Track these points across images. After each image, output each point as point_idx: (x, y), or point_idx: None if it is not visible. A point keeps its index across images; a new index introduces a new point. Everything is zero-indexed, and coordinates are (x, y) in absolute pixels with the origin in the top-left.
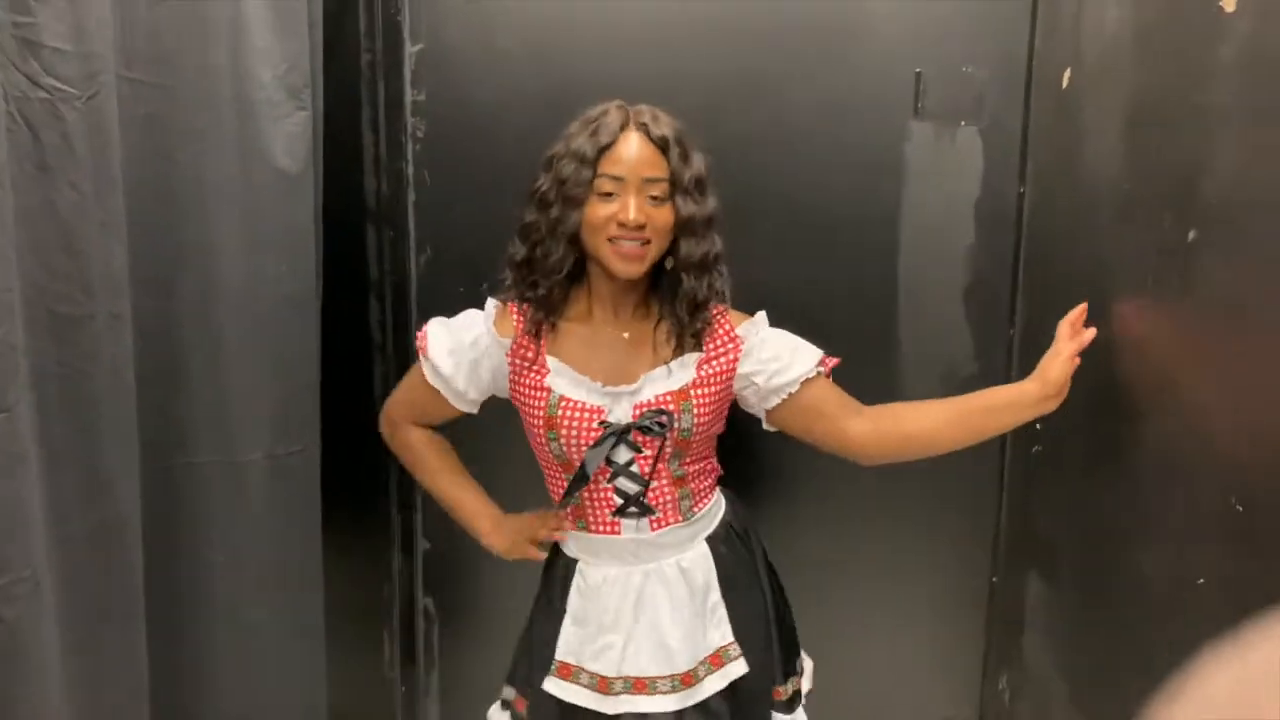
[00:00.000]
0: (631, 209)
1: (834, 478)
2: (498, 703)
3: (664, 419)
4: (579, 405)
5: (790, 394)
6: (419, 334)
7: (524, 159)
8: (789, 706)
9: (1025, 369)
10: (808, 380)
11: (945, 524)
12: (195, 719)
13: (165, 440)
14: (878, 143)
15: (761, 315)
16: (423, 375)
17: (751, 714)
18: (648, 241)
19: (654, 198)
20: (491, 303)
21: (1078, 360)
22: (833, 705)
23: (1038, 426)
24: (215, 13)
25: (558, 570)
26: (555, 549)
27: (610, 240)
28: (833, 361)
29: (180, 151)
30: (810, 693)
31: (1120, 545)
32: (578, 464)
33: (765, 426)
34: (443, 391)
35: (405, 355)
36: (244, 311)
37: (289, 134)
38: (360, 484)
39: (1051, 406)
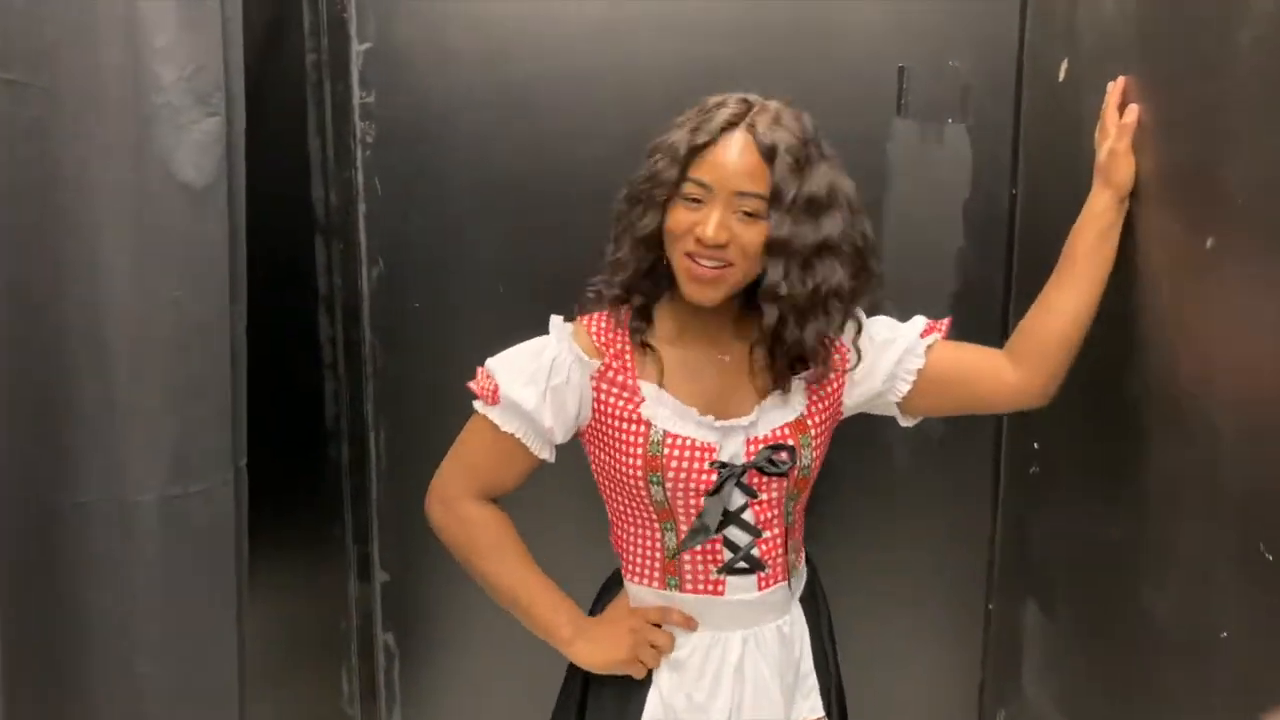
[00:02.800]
0: (711, 224)
1: (822, 499)
2: None
3: (785, 456)
4: (688, 443)
5: (918, 369)
6: (479, 377)
7: (482, 163)
8: None
9: None
10: (929, 348)
11: (939, 547)
12: None
13: (47, 477)
14: (859, 141)
15: (860, 315)
16: (487, 428)
17: None
18: (730, 264)
19: (747, 213)
20: (559, 321)
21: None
22: None
23: (1035, 446)
24: (107, 7)
25: None
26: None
27: (688, 255)
28: (945, 323)
29: (66, 161)
30: None
31: (1127, 582)
32: (682, 512)
33: (903, 422)
34: (523, 437)
35: (357, 374)
36: (138, 337)
37: (195, 143)
38: (313, 513)
39: (1126, 192)
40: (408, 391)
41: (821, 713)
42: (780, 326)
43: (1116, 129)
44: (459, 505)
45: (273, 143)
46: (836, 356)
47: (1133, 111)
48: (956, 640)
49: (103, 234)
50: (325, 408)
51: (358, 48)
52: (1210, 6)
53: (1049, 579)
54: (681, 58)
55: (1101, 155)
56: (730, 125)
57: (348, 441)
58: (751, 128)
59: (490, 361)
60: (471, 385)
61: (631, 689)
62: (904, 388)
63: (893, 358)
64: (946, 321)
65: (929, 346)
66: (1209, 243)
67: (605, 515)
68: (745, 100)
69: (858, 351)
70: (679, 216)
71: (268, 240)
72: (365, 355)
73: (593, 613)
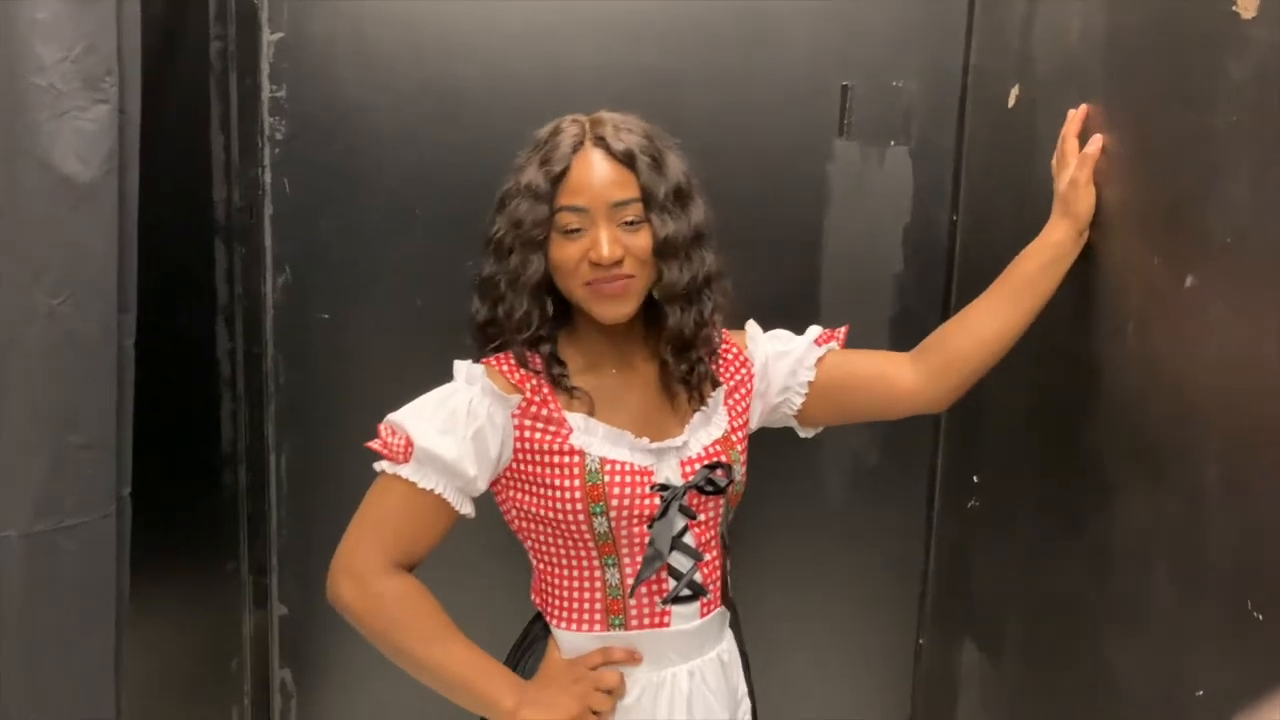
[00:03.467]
0: (604, 243)
1: (748, 519)
2: None
3: (722, 474)
4: (627, 467)
5: (809, 381)
6: (382, 434)
7: (401, 166)
8: None
9: (962, 417)
10: (820, 360)
11: (871, 578)
12: None
13: None
14: (799, 162)
15: (751, 323)
16: (400, 490)
17: None
18: (631, 277)
19: (628, 223)
20: (466, 363)
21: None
22: None
23: (975, 479)
24: None
25: None
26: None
27: (588, 284)
28: (841, 331)
29: None
30: None
31: (1085, 633)
32: (625, 544)
33: (802, 434)
34: (444, 493)
35: (258, 392)
36: (4, 352)
37: (80, 131)
38: (207, 543)
39: (1084, 239)
40: (312, 411)
41: None
42: (681, 324)
43: (1078, 159)
44: (374, 581)
45: (170, 136)
46: (733, 360)
47: (1096, 141)
48: (887, 674)
49: None
50: (222, 428)
51: (269, 37)
52: (1195, 32)
53: (990, 620)
54: (615, 63)
55: (1061, 184)
56: (578, 146)
57: (246, 465)
58: (600, 139)
59: (393, 416)
60: (373, 445)
61: None
62: (798, 400)
63: (786, 369)
64: (843, 330)
65: (820, 358)
66: (1188, 281)
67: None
68: (576, 120)
69: (754, 359)
70: (565, 252)
71: (160, 244)
72: (267, 371)
73: (519, 663)
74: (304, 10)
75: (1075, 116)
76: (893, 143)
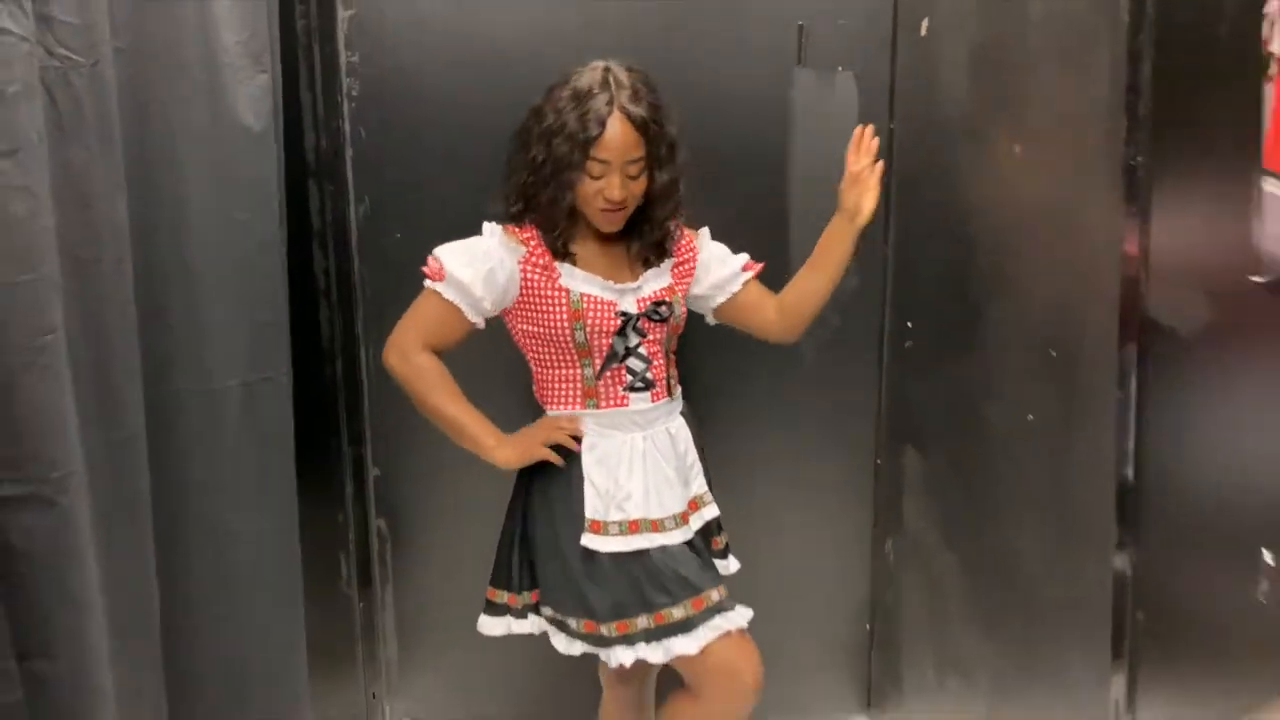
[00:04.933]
0: (616, 189)
1: (738, 372)
2: (483, 615)
3: (665, 309)
4: (598, 299)
5: (733, 292)
6: (430, 262)
7: (451, 115)
8: (725, 554)
9: (899, 280)
10: (747, 282)
11: (838, 416)
12: (190, 622)
13: (155, 369)
14: (768, 88)
15: (705, 230)
16: (435, 299)
17: (706, 552)
18: (625, 206)
19: (631, 176)
20: (491, 225)
21: (876, 174)
22: (744, 575)
23: (909, 324)
24: None
25: (561, 467)
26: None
27: (600, 210)
28: (758, 267)
29: (157, 112)
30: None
31: (971, 408)
32: (598, 350)
33: (710, 321)
34: (460, 304)
35: (349, 299)
36: (217, 255)
37: (252, 95)
38: (311, 419)
39: (863, 222)
40: (392, 313)
41: (707, 489)
42: (654, 234)
43: (857, 164)
44: (413, 355)
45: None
46: (686, 247)
47: (870, 144)
48: (851, 490)
49: (188, 172)
50: (321, 330)
51: (343, 14)
52: None
53: (922, 430)
54: (618, 18)
55: (844, 183)
56: (609, 112)
57: (341, 359)
58: (624, 109)
59: (438, 250)
60: (424, 269)
61: (571, 486)
62: (720, 299)
63: (722, 275)
64: (760, 266)
65: (745, 281)
66: (1016, 149)
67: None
68: (606, 81)
69: (700, 250)
70: (589, 189)
71: None
72: (355, 282)
73: None
74: None
75: (858, 134)
76: (840, 69)
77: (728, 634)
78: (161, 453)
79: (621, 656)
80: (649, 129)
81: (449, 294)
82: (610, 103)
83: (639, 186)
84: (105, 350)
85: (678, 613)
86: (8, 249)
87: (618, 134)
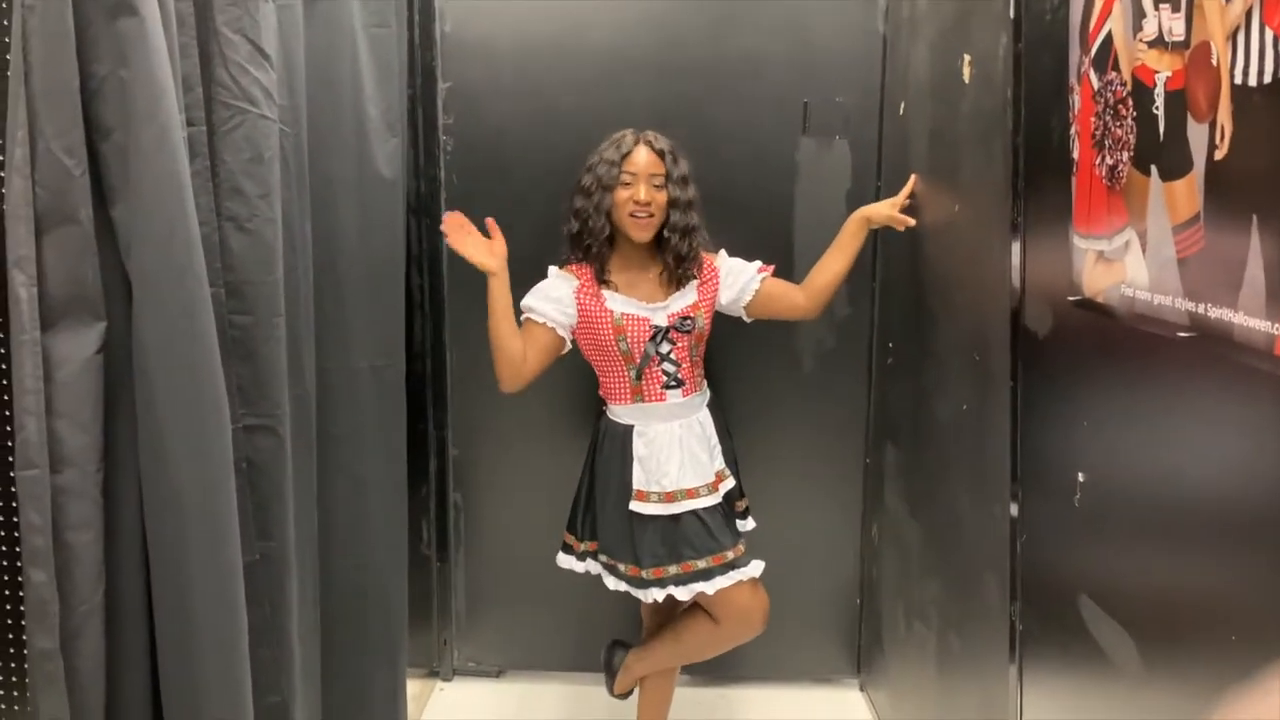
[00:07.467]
0: (642, 192)
1: (751, 380)
2: (560, 553)
3: (689, 322)
4: (635, 316)
5: (755, 290)
6: (522, 305)
7: (524, 167)
8: (745, 515)
9: (883, 309)
10: (763, 280)
11: (834, 422)
12: (335, 546)
13: (315, 349)
14: (778, 150)
15: (723, 251)
16: (529, 323)
17: (730, 514)
18: (652, 215)
19: (656, 186)
20: (554, 269)
21: (900, 210)
22: (754, 547)
23: (890, 345)
24: (340, 71)
25: (617, 439)
26: (608, 423)
27: (630, 215)
28: (770, 268)
29: (319, 163)
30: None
31: (928, 405)
32: (638, 356)
33: (746, 319)
34: (545, 321)
35: (440, 313)
36: (359, 272)
37: (387, 154)
38: (407, 409)
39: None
40: (472, 324)
41: (724, 465)
42: (678, 245)
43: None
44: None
45: None
46: (708, 270)
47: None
48: (844, 482)
49: (338, 209)
50: (414, 336)
51: (442, 85)
52: (953, 87)
53: (898, 428)
54: (662, 90)
55: (884, 203)
56: (635, 143)
57: (430, 358)
58: (649, 142)
59: (526, 297)
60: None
61: (624, 463)
62: (746, 298)
63: (741, 281)
64: (771, 267)
65: (762, 279)
66: (956, 208)
67: (591, 392)
68: (634, 131)
69: (720, 269)
70: (621, 194)
71: None
72: (444, 299)
73: (595, 428)
74: (463, 67)
75: (906, 189)
76: (837, 137)
77: (740, 582)
78: (318, 409)
79: (655, 594)
80: (665, 156)
81: (536, 317)
82: (637, 139)
83: (661, 195)
84: (296, 329)
85: (701, 564)
86: (263, 259)
87: (641, 154)
